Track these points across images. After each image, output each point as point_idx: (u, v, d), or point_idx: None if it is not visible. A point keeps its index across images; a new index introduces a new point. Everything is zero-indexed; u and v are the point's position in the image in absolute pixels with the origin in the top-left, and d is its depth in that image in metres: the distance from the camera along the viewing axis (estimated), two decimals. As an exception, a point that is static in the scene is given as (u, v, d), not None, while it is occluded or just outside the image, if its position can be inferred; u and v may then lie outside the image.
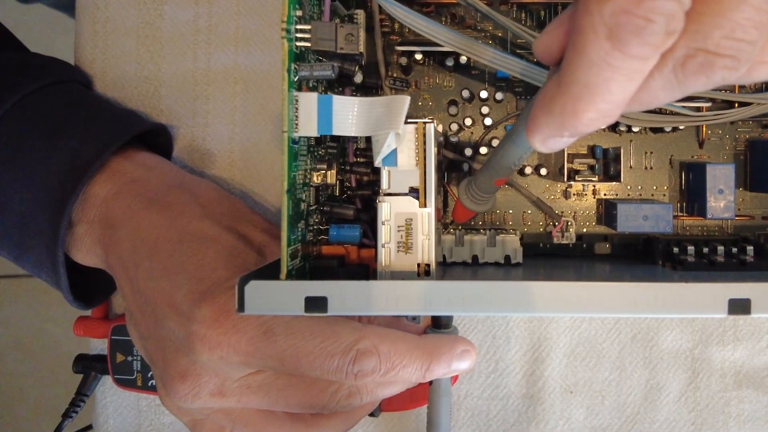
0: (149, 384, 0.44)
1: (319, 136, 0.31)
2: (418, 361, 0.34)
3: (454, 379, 0.42)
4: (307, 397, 0.35)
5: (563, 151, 0.39)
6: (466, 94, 0.40)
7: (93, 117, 0.40)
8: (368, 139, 0.37)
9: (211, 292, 0.33)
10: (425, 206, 0.32)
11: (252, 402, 0.35)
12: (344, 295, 0.29)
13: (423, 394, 0.41)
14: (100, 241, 0.38)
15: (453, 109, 0.41)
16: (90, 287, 0.43)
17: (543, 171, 0.40)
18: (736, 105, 0.39)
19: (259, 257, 0.37)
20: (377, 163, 0.32)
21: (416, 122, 0.32)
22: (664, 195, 0.41)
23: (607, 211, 0.39)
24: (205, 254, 0.35)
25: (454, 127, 0.41)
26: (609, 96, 0.23)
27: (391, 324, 0.37)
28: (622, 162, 0.39)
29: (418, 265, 0.32)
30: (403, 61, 0.40)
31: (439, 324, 0.38)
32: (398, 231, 0.32)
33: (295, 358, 0.32)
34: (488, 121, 0.40)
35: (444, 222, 0.41)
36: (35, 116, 0.39)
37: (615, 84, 0.22)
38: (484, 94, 0.40)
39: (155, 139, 0.43)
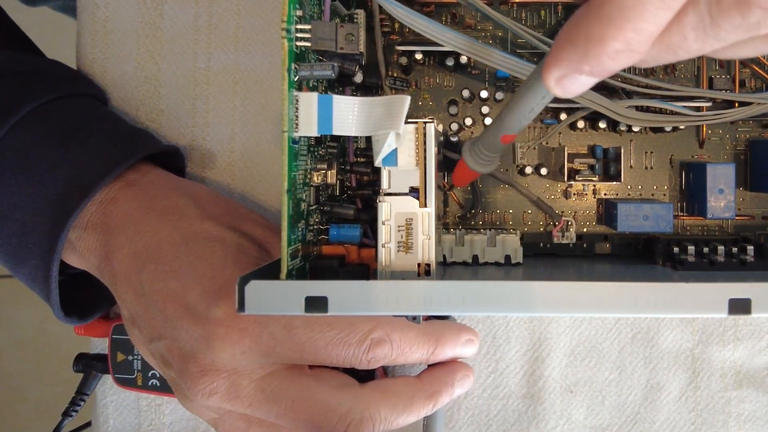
0: (149, 383, 0.44)
1: (319, 135, 0.31)
2: (424, 347, 0.37)
3: None
4: (315, 417, 0.35)
5: (564, 150, 0.39)
6: (466, 93, 0.40)
7: (105, 134, 0.40)
8: (368, 139, 0.37)
9: (226, 290, 0.34)
10: (425, 206, 0.32)
11: (262, 410, 0.35)
12: (344, 295, 0.29)
13: None
14: (95, 247, 0.38)
15: (453, 109, 0.41)
16: (86, 301, 0.42)
17: (543, 171, 0.40)
18: (736, 105, 0.39)
19: (263, 253, 0.37)
20: (377, 162, 0.32)
21: (416, 122, 0.32)
22: (664, 195, 0.41)
23: (607, 210, 0.39)
24: (213, 254, 0.36)
25: (455, 126, 0.41)
26: (641, 23, 0.22)
27: None
28: (622, 162, 0.39)
29: (419, 264, 0.32)
30: (404, 60, 0.40)
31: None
32: (398, 231, 0.32)
33: (313, 348, 0.34)
34: (488, 121, 0.40)
35: (444, 222, 0.41)
36: (50, 126, 0.39)
37: (649, 9, 0.21)
38: (484, 94, 0.40)
39: (166, 160, 0.43)
